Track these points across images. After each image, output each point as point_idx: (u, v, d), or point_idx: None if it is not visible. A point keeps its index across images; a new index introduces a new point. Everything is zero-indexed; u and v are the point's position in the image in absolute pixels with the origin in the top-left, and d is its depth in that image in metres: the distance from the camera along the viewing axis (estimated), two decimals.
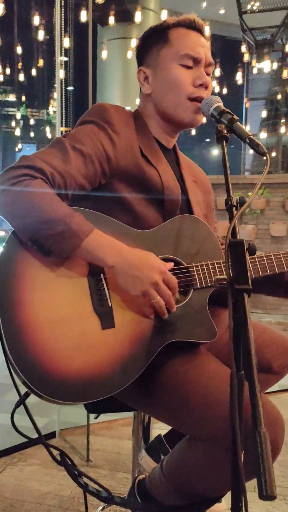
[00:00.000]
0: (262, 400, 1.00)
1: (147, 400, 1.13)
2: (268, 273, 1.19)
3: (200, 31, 1.24)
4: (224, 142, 1.05)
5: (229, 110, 1.11)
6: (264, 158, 1.03)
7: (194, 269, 1.15)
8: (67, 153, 1.12)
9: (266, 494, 0.57)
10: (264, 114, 12.17)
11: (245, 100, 11.37)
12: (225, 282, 0.81)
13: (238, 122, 1.07)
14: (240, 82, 10.63)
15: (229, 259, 0.82)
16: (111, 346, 1.06)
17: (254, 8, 7.48)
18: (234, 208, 0.92)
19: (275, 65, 9.81)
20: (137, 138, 1.22)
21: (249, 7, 7.55)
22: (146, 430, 1.47)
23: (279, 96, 11.29)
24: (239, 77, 10.16)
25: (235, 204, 0.92)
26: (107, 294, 1.09)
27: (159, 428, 1.41)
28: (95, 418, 1.40)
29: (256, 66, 9.65)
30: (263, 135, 12.72)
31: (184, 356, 1.12)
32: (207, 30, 1.27)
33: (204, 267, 1.16)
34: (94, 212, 1.13)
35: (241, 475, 0.77)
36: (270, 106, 13.37)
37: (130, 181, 1.18)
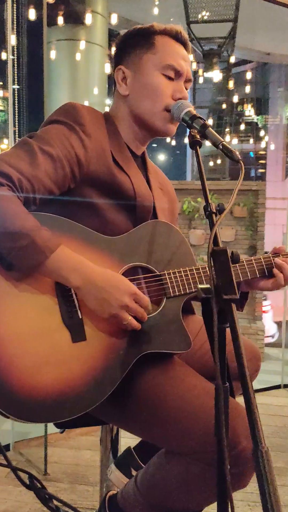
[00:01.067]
0: (239, 410, 0.99)
1: (121, 414, 1.09)
2: (241, 279, 1.19)
3: (184, 44, 1.23)
4: (198, 147, 1.04)
5: (200, 115, 1.10)
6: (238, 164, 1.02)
7: (167, 276, 1.13)
8: (35, 155, 1.05)
9: None
10: (210, 122, 12.43)
11: (192, 107, 11.58)
12: (209, 292, 0.79)
13: (210, 128, 1.06)
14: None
15: (212, 268, 0.80)
16: (83, 360, 1.00)
17: (205, 17, 7.62)
18: (213, 215, 0.90)
19: (220, 76, 10.05)
20: (109, 141, 1.18)
21: (199, 16, 7.68)
22: (114, 441, 1.42)
23: (223, 106, 11.60)
24: None
25: (214, 210, 0.91)
26: (77, 305, 1.04)
27: (126, 437, 1.37)
28: (61, 432, 1.34)
29: (203, 76, 9.84)
30: (208, 142, 12.97)
31: (159, 367, 1.08)
32: (189, 44, 1.25)
33: (177, 274, 1.13)
34: (61, 218, 1.07)
35: (229, 490, 0.75)
36: (214, 114, 13.72)
37: (100, 186, 1.13)
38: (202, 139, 1.06)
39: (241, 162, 1.03)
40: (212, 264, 0.81)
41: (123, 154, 1.20)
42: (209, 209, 0.90)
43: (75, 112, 1.14)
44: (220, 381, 0.78)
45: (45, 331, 1.00)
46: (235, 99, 12.36)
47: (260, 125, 17.20)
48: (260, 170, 18.15)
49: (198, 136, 1.04)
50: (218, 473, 0.81)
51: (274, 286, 1.22)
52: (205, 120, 1.07)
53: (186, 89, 1.23)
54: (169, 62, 1.18)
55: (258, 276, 1.22)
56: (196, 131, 1.06)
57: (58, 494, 2.05)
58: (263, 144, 15.82)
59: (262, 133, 16.53)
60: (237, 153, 1.03)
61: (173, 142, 14.49)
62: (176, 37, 1.21)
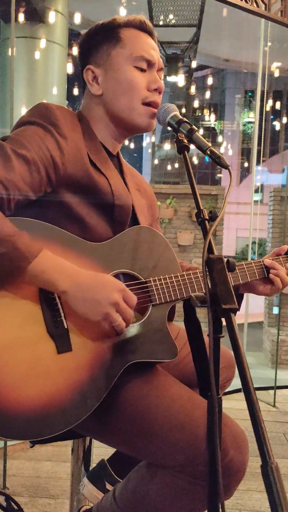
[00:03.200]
0: (225, 420, 0.97)
1: (103, 428, 1.04)
2: (240, 282, 1.18)
3: (150, 33, 1.19)
4: (186, 152, 1.02)
5: (187, 120, 1.08)
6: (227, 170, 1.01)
7: (152, 283, 1.09)
8: (9, 159, 0.98)
9: None
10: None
11: (177, 111, 11.61)
12: (204, 301, 0.77)
13: (197, 133, 1.04)
14: None
15: (207, 276, 0.78)
16: (68, 372, 0.95)
17: (172, 22, 7.63)
18: (206, 222, 0.88)
19: (184, 81, 10.14)
20: (84, 142, 1.13)
21: (164, 19, 7.69)
22: (86, 452, 1.36)
23: (183, 110, 11.70)
24: None
25: (207, 217, 0.88)
26: (62, 314, 0.98)
27: (98, 447, 1.32)
28: (31, 447, 1.27)
29: (165, 79, 9.89)
30: (167, 146, 13.10)
31: (143, 378, 1.04)
32: (155, 33, 1.21)
33: (162, 281, 1.10)
34: (42, 223, 1.02)
35: (223, 506, 0.73)
36: None
37: (78, 189, 1.08)
38: (189, 144, 1.03)
39: (230, 168, 1.01)
40: (207, 272, 0.78)
41: (100, 155, 1.15)
42: (201, 216, 0.88)
43: (49, 112, 1.08)
44: (215, 393, 0.76)
45: (28, 341, 0.94)
46: (195, 104, 12.51)
47: (218, 131, 17.54)
48: (219, 175, 18.52)
49: (185, 141, 1.02)
50: (209, 487, 0.79)
51: (273, 290, 1.22)
52: (191, 125, 1.05)
53: (160, 78, 1.20)
54: (139, 53, 1.15)
55: (257, 278, 1.21)
56: (183, 135, 1.03)
57: None
58: (221, 150, 16.14)
59: (220, 138, 16.86)
60: (225, 159, 1.02)
61: (132, 145, 14.50)
62: (141, 27, 1.18)
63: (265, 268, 1.22)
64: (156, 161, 12.92)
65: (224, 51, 11.60)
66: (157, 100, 1.15)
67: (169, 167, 12.84)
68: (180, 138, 1.03)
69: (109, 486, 1.28)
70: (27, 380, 0.91)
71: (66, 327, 0.98)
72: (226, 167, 1.00)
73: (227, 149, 16.53)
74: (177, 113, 1.09)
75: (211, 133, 17.72)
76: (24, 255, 0.91)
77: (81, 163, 1.09)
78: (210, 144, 1.03)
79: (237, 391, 3.62)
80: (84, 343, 0.99)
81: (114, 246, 1.08)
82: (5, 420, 0.89)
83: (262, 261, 1.22)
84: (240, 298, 1.30)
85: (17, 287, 0.95)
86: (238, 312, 0.81)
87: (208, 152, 1.01)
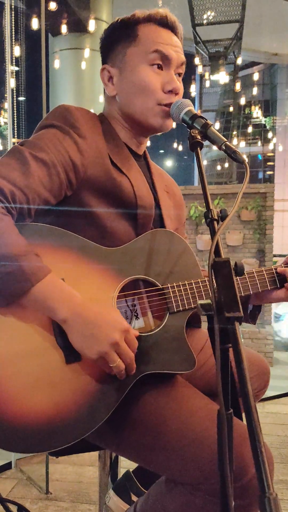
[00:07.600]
0: (246, 435, 0.90)
1: (118, 440, 1.00)
2: (251, 292, 1.10)
3: (172, 29, 1.13)
4: (199, 149, 0.96)
5: (201, 115, 1.02)
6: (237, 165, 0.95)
7: (170, 290, 1.04)
8: (27, 164, 0.97)
9: None
10: (217, 125, 12.36)
11: (198, 111, 11.48)
12: (210, 309, 0.71)
13: (212, 128, 0.98)
14: (193, 95, 10.74)
15: (214, 281, 0.72)
16: (77, 382, 0.92)
17: (211, 18, 7.51)
18: (215, 222, 0.82)
19: (227, 78, 9.95)
20: (105, 143, 1.10)
21: (205, 17, 7.58)
22: (113, 463, 1.32)
23: (231, 108, 11.50)
24: (192, 89, 10.27)
25: (216, 217, 0.82)
26: None
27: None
28: (56, 457, 1.25)
29: (209, 79, 9.76)
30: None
31: (159, 388, 1.00)
32: (179, 28, 1.15)
33: (181, 287, 1.05)
34: (55, 229, 0.99)
35: None
36: (222, 118, 13.66)
37: (99, 191, 1.05)
38: (204, 140, 0.98)
39: (246, 163, 0.95)
40: (214, 277, 0.72)
41: (121, 155, 1.12)
42: (210, 216, 0.82)
43: (68, 114, 1.07)
44: (224, 409, 0.70)
45: (35, 352, 0.91)
46: (242, 101, 12.26)
47: (268, 127, 17.08)
48: (268, 172, 18.04)
49: (199, 137, 0.96)
50: (221, 509, 0.73)
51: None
52: (206, 120, 0.99)
53: (181, 73, 1.14)
54: (153, 47, 1.08)
55: (269, 288, 1.13)
56: (197, 131, 0.98)
57: None
58: (271, 146, 15.70)
59: (270, 135, 16.40)
60: (241, 153, 0.95)
61: (180, 147, 14.43)
62: (161, 22, 1.11)
63: (277, 276, 1.14)
64: (205, 162, 12.78)
65: (272, 45, 11.30)
66: (173, 102, 1.09)
67: (218, 167, 12.67)
68: (193, 134, 0.97)
69: (135, 498, 1.24)
70: (34, 391, 0.89)
71: None
72: (241, 162, 0.93)
73: (277, 145, 16.06)
74: (192, 108, 1.04)
75: (262, 130, 17.29)
76: (27, 277, 0.88)
77: (102, 163, 1.07)
78: (225, 139, 0.96)
79: (286, 394, 3.47)
80: None
81: (129, 251, 1.04)
82: (9, 433, 0.87)
83: (274, 268, 1.14)
84: (257, 310, 1.22)
85: None
86: None
87: (223, 147, 0.95)
